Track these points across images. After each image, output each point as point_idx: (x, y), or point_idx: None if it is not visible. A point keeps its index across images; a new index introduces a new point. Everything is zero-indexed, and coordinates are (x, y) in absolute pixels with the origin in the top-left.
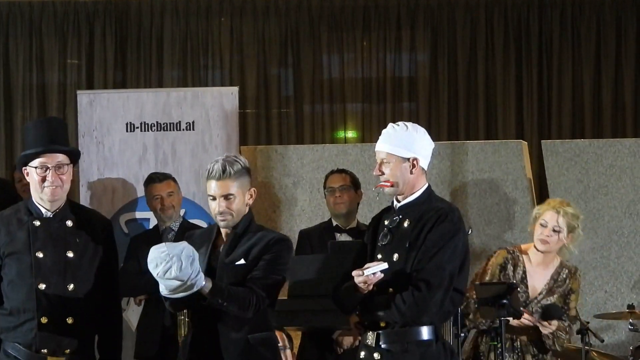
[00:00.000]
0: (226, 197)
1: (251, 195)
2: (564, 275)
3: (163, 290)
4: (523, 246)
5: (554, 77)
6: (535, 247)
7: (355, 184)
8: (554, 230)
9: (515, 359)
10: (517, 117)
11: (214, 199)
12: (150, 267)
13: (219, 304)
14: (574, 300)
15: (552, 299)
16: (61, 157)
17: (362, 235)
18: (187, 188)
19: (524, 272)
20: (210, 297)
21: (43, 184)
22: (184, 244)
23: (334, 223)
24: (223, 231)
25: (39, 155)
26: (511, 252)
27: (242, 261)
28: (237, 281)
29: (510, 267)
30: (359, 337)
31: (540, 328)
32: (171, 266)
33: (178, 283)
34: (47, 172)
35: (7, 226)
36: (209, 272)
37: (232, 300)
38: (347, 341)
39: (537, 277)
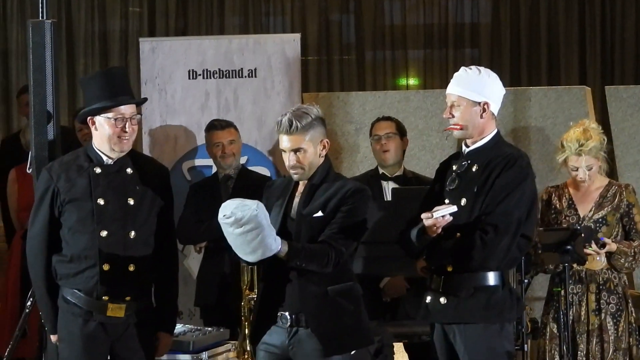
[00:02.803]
0: (296, 151)
1: (324, 146)
2: (613, 191)
3: (239, 253)
4: (568, 181)
5: (617, 21)
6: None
7: (401, 131)
8: (587, 169)
9: (581, 289)
10: (580, 63)
11: (285, 152)
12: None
13: (297, 266)
14: (637, 213)
15: (603, 213)
16: (134, 108)
17: (409, 182)
18: (249, 135)
19: (570, 199)
20: (288, 259)
21: (120, 135)
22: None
23: (380, 171)
24: (300, 182)
25: (113, 107)
26: (555, 186)
27: (319, 213)
28: (314, 234)
29: (555, 199)
30: (407, 286)
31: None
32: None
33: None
34: (125, 123)
35: (66, 172)
36: (285, 223)
37: (310, 259)
38: (393, 290)
39: (585, 199)
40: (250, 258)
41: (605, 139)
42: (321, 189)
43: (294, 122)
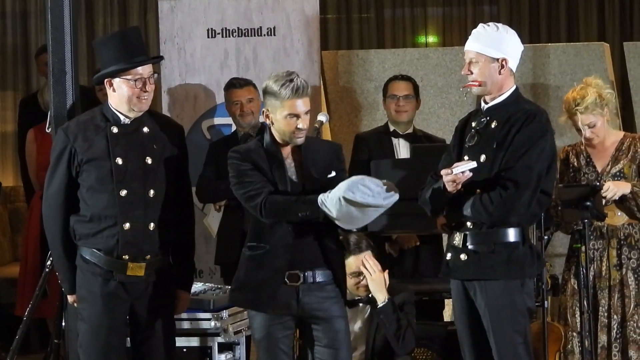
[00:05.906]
0: (308, 112)
1: None
2: (628, 143)
3: (346, 223)
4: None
5: None
6: None
7: (417, 93)
8: (589, 127)
9: (602, 244)
10: (599, 19)
11: (298, 117)
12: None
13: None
14: None
15: (619, 166)
16: (151, 68)
17: (419, 140)
18: None
19: (588, 156)
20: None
21: (139, 95)
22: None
23: (391, 128)
24: (286, 146)
25: (131, 68)
26: (572, 145)
27: (333, 174)
28: None
29: (573, 157)
30: (416, 243)
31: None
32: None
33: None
34: (144, 83)
35: (84, 132)
36: (293, 186)
37: None
38: (405, 241)
39: (601, 155)
40: (353, 227)
41: (610, 93)
42: (306, 150)
43: (305, 83)
